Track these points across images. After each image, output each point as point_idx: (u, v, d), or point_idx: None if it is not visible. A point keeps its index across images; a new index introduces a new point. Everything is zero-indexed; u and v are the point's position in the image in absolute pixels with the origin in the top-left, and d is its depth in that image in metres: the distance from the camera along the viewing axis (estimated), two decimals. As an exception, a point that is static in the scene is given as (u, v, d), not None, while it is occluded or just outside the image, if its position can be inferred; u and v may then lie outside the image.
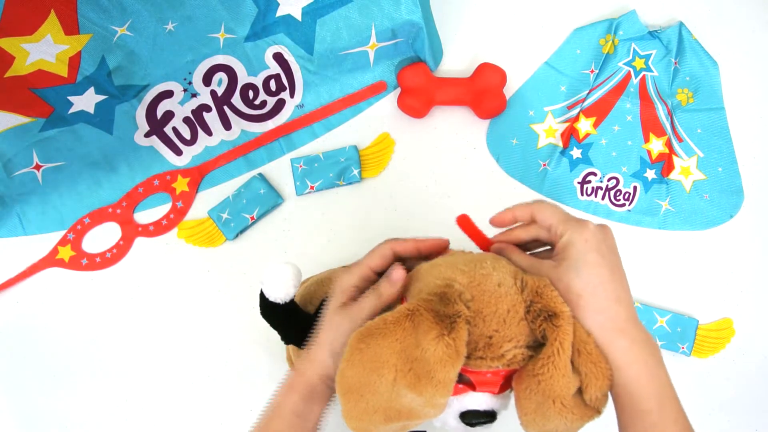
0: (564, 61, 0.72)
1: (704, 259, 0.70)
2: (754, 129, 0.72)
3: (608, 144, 0.71)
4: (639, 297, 0.69)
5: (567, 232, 0.40)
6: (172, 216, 0.70)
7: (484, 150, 0.71)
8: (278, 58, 0.67)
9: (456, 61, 0.72)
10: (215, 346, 0.68)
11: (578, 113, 0.71)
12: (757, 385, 0.68)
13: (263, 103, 0.70)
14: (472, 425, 0.39)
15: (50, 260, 0.70)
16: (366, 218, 0.70)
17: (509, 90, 0.71)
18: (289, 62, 0.68)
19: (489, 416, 0.39)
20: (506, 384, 0.39)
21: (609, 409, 0.39)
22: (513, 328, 0.37)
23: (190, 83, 0.66)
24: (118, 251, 0.70)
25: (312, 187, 0.69)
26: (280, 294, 0.45)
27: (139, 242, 0.70)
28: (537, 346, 0.38)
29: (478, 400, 0.39)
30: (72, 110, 0.60)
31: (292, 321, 0.49)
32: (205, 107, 0.68)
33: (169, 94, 0.66)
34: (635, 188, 0.70)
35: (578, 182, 0.71)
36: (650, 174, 0.70)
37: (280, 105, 0.71)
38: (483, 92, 0.69)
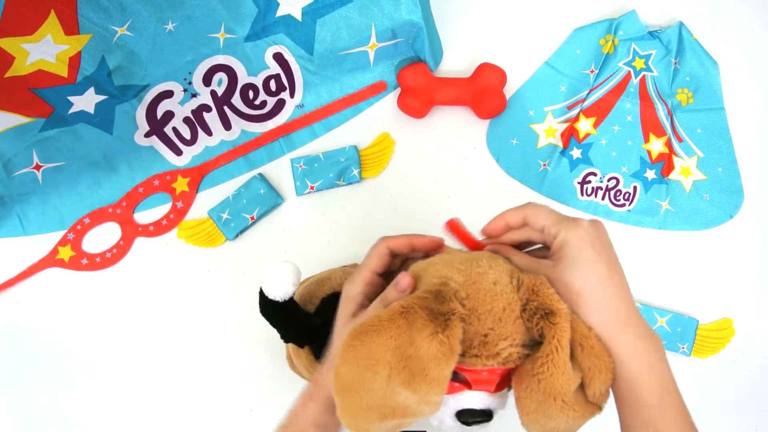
0: (564, 61, 0.72)
1: (704, 259, 0.70)
2: (754, 129, 0.72)
3: (608, 144, 0.71)
4: (639, 297, 0.69)
5: (561, 231, 0.39)
6: (172, 216, 0.70)
7: (484, 150, 0.71)
8: (278, 58, 0.67)
9: (456, 61, 0.72)
10: (215, 346, 0.68)
11: (578, 113, 0.71)
12: (757, 385, 0.68)
13: (263, 103, 0.70)
14: (468, 424, 0.39)
15: (50, 260, 0.70)
16: (366, 218, 0.70)
17: (509, 90, 0.71)
18: (289, 62, 0.68)
19: (485, 415, 0.39)
20: (503, 383, 0.39)
21: (609, 408, 0.39)
22: (508, 326, 0.37)
23: (190, 83, 0.66)
24: (118, 251, 0.70)
25: (312, 187, 0.69)
26: (280, 292, 0.45)
27: (139, 242, 0.70)
28: (533, 344, 0.38)
29: (475, 399, 0.39)
30: (72, 110, 0.60)
31: (291, 320, 0.49)
32: (205, 107, 0.69)
33: (169, 94, 0.66)
34: (635, 188, 0.70)
35: (578, 182, 0.71)
36: (650, 174, 0.70)
37: (280, 105, 0.71)
38: (483, 92, 0.69)
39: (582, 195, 0.71)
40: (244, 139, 0.71)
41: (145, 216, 0.71)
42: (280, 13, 0.62)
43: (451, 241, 0.45)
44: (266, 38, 0.65)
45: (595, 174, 0.71)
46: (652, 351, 0.37)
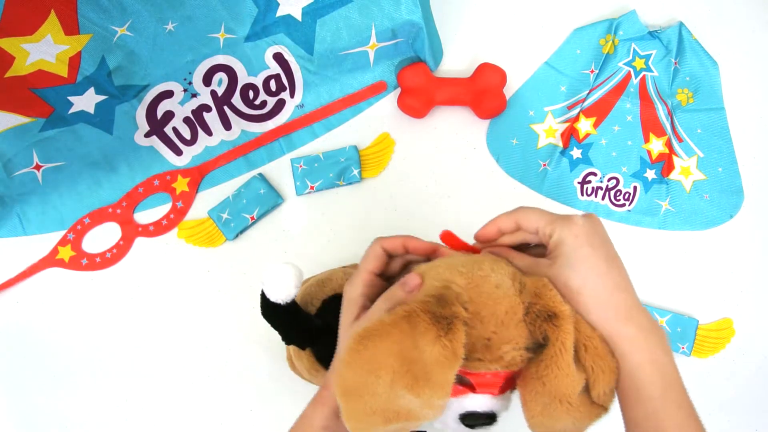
0: (564, 61, 0.72)
1: (704, 259, 0.70)
2: (754, 129, 0.72)
3: (608, 144, 0.71)
4: (639, 297, 0.68)
5: (555, 230, 0.39)
6: (172, 216, 0.70)
7: (484, 150, 0.71)
8: (278, 58, 0.67)
9: (456, 61, 0.72)
10: (215, 346, 0.68)
11: (578, 113, 0.71)
12: (757, 385, 0.68)
13: (263, 103, 0.70)
14: (472, 427, 0.39)
15: (50, 260, 0.70)
16: (366, 218, 0.70)
17: (509, 90, 0.71)
18: (289, 62, 0.68)
19: (489, 418, 0.39)
20: (507, 385, 0.39)
21: (614, 409, 0.39)
22: (511, 329, 0.37)
23: (190, 83, 0.66)
24: (118, 251, 0.70)
25: (312, 187, 0.69)
26: (282, 295, 0.45)
27: (139, 242, 0.70)
28: (537, 347, 0.38)
29: (478, 402, 0.38)
30: (72, 110, 0.60)
31: (293, 321, 0.49)
32: (205, 107, 0.68)
33: (169, 94, 0.66)
34: (635, 188, 0.70)
35: (578, 182, 0.71)
36: (650, 174, 0.70)
37: (280, 105, 0.71)
38: (483, 92, 0.69)
39: (582, 195, 0.71)
40: (244, 139, 0.71)
41: (145, 216, 0.71)
42: (280, 13, 0.62)
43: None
44: (266, 38, 0.65)
45: (595, 174, 0.71)
46: (653, 344, 0.37)
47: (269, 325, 0.49)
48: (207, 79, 0.66)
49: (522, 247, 0.46)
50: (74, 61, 0.56)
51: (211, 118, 0.69)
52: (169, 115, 0.67)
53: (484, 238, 0.44)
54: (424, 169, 0.71)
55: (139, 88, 0.63)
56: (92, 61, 0.57)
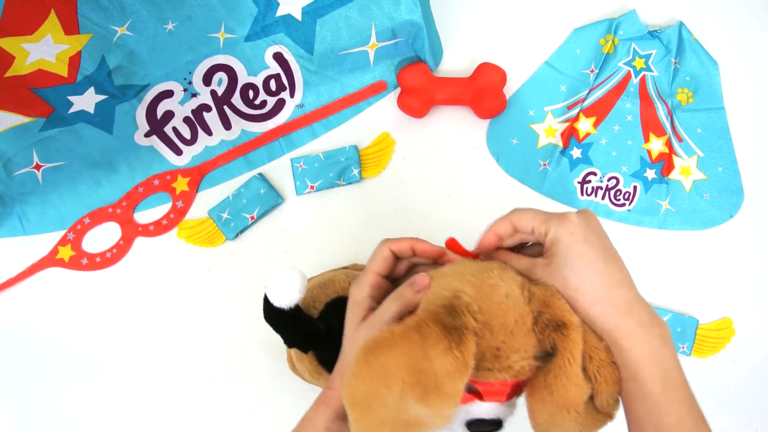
0: (564, 61, 0.72)
1: (704, 259, 0.70)
2: (754, 129, 0.72)
3: (608, 144, 0.71)
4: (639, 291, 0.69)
5: (551, 229, 0.39)
6: (172, 216, 0.70)
7: (484, 150, 0.71)
8: (278, 57, 0.67)
9: (456, 61, 0.72)
10: (215, 345, 0.68)
11: (578, 113, 0.71)
12: (757, 385, 0.68)
13: (263, 103, 0.70)
14: None
15: (50, 260, 0.70)
16: (366, 218, 0.70)
17: (509, 90, 0.71)
18: (289, 62, 0.68)
19: (496, 425, 0.39)
20: (513, 392, 0.39)
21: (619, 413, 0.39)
22: (520, 339, 0.37)
23: (190, 83, 0.66)
24: (118, 251, 0.70)
25: (312, 187, 0.69)
26: (286, 300, 0.45)
27: (139, 242, 0.70)
28: (544, 356, 0.38)
29: (485, 409, 0.39)
30: (72, 110, 0.60)
31: (296, 326, 0.49)
32: (205, 107, 0.68)
33: (169, 93, 0.66)
34: (635, 188, 0.70)
35: (578, 182, 0.71)
36: (650, 174, 0.70)
37: (280, 105, 0.71)
38: (483, 92, 0.69)
39: (582, 195, 0.71)
40: (244, 138, 0.71)
41: (145, 216, 0.71)
42: (280, 12, 0.62)
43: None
44: (266, 38, 0.65)
45: (595, 174, 0.71)
46: (653, 338, 0.37)
47: (271, 328, 0.49)
48: (207, 79, 0.66)
49: (518, 247, 0.46)
50: (74, 61, 0.56)
51: (211, 117, 0.69)
52: (169, 115, 0.67)
53: (487, 248, 0.44)
54: (424, 169, 0.71)
55: (139, 87, 0.63)
56: (92, 60, 0.57)
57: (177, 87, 0.65)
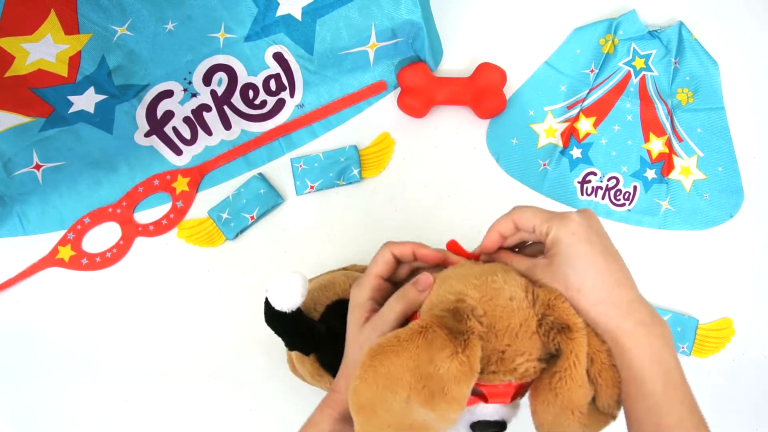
0: (564, 61, 0.72)
1: (704, 259, 0.70)
2: (754, 129, 0.72)
3: (608, 144, 0.71)
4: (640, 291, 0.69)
5: (552, 228, 0.39)
6: (172, 216, 0.70)
7: (484, 150, 0.71)
8: (278, 57, 0.67)
9: (456, 61, 0.72)
10: (215, 345, 0.68)
11: (578, 113, 0.71)
12: (757, 385, 0.68)
13: (263, 103, 0.70)
14: None
15: (50, 260, 0.70)
16: (366, 218, 0.70)
17: (509, 90, 0.71)
18: (289, 62, 0.68)
19: (499, 426, 0.39)
20: (517, 393, 0.39)
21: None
22: (525, 341, 0.37)
23: (190, 83, 0.66)
24: (118, 251, 0.70)
25: (312, 187, 0.69)
26: (287, 304, 0.45)
27: (139, 242, 0.70)
28: (548, 357, 0.38)
29: (489, 411, 0.39)
30: (72, 110, 0.60)
31: (297, 329, 0.49)
32: (205, 107, 0.68)
33: (169, 93, 0.66)
34: (635, 188, 0.70)
35: (578, 182, 0.71)
36: (650, 174, 0.70)
37: (280, 105, 0.71)
38: (483, 92, 0.69)
39: (582, 195, 0.71)
40: (244, 138, 0.71)
41: (145, 216, 0.71)
42: (280, 12, 0.62)
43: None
44: (266, 38, 0.65)
45: (595, 174, 0.71)
46: (654, 338, 0.37)
47: (272, 331, 0.49)
48: (207, 79, 0.66)
49: (518, 246, 0.46)
50: (74, 61, 0.56)
51: (211, 117, 0.69)
52: (169, 115, 0.67)
53: (490, 248, 0.44)
54: (424, 169, 0.71)
55: (139, 87, 0.63)
56: (92, 60, 0.57)
57: (177, 87, 0.65)
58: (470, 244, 0.46)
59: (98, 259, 0.70)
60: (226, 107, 0.69)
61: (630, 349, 0.37)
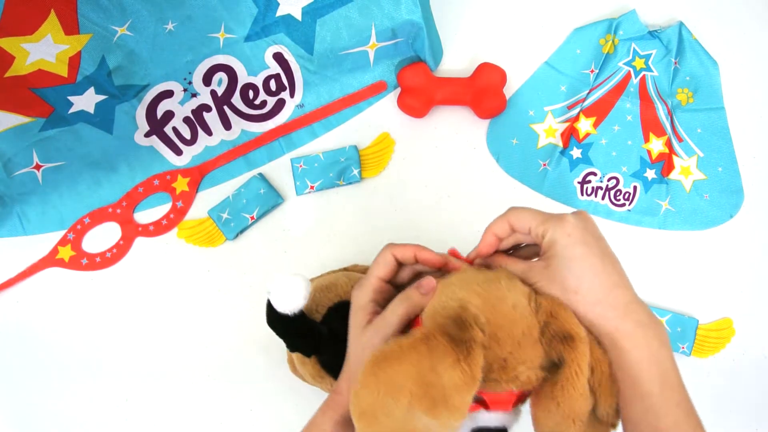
0: (564, 61, 0.72)
1: (704, 259, 0.70)
2: (754, 129, 0.72)
3: (608, 144, 0.71)
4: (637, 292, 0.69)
5: (548, 230, 0.39)
6: (172, 216, 0.70)
7: (484, 150, 0.71)
8: (278, 57, 0.67)
9: (456, 61, 0.72)
10: (215, 345, 0.68)
11: (578, 113, 0.71)
12: (757, 385, 0.68)
13: (263, 103, 0.70)
14: None
15: (50, 260, 0.70)
16: (366, 218, 0.70)
17: (509, 90, 0.71)
18: (289, 62, 0.68)
19: None
20: (519, 401, 0.39)
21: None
22: (527, 350, 0.37)
23: (190, 83, 0.66)
24: (118, 251, 0.70)
25: (312, 187, 0.69)
26: (290, 306, 0.45)
27: (139, 242, 0.70)
28: (550, 366, 0.38)
29: (491, 418, 0.39)
30: (72, 110, 0.60)
31: (299, 331, 0.49)
32: (205, 107, 0.68)
33: (169, 94, 0.66)
34: (635, 188, 0.70)
35: (578, 182, 0.71)
36: (650, 174, 0.70)
37: (280, 105, 0.71)
38: (483, 92, 0.69)
39: (582, 195, 0.71)
40: (244, 138, 0.71)
41: (145, 216, 0.71)
42: (280, 12, 0.62)
43: (457, 242, 0.45)
44: (266, 38, 0.65)
45: (595, 174, 0.71)
46: (651, 339, 0.37)
47: (274, 333, 0.49)
48: (207, 79, 0.66)
49: (513, 248, 0.46)
50: (74, 61, 0.56)
51: (211, 117, 0.69)
52: (169, 115, 0.67)
53: (487, 252, 0.44)
54: (424, 169, 0.71)
55: (139, 87, 0.63)
56: (92, 60, 0.57)
57: (177, 87, 0.65)
58: (470, 245, 0.46)
59: (98, 259, 0.70)
60: (226, 107, 0.69)
61: (628, 351, 0.37)
